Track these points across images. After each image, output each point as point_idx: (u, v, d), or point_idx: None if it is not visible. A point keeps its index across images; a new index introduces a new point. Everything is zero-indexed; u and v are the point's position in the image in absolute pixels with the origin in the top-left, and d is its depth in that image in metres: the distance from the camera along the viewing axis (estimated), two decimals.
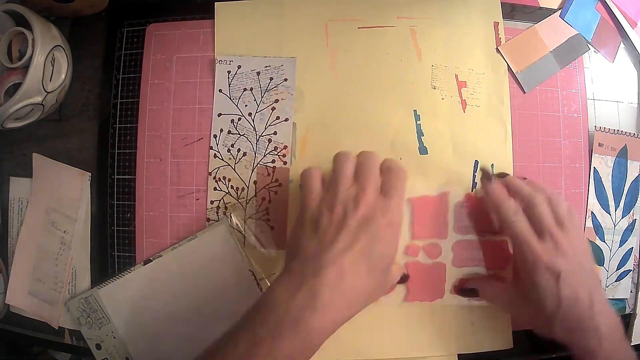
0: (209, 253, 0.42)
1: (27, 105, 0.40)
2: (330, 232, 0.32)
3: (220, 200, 0.43)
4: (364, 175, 0.34)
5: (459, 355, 0.41)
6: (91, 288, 0.44)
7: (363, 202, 0.32)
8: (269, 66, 0.43)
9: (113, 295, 0.43)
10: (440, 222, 0.41)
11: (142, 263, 0.43)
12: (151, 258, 0.42)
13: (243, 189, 0.42)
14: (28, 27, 0.39)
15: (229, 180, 0.43)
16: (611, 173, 0.44)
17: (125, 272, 0.43)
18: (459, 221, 0.41)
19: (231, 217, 0.42)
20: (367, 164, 0.35)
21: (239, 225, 0.42)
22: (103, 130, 0.45)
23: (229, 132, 0.43)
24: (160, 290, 0.42)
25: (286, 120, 0.42)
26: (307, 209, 0.34)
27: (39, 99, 0.41)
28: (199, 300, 0.42)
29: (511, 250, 0.40)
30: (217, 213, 0.43)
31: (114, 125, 0.45)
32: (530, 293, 0.34)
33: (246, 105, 0.43)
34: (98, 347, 0.43)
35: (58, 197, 0.45)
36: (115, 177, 0.44)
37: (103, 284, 0.43)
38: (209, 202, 0.43)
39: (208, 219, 0.43)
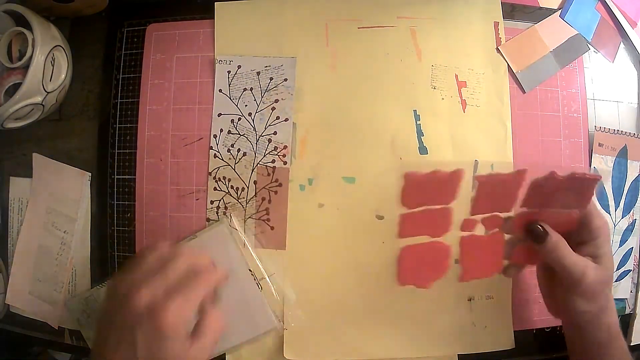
0: (208, 253, 0.42)
1: (27, 105, 0.40)
2: (104, 331, 0.30)
3: (220, 200, 0.43)
4: (157, 269, 0.30)
5: (459, 355, 0.41)
6: (91, 288, 0.44)
7: (131, 303, 0.28)
8: (269, 66, 0.43)
9: None
10: (508, 199, 0.36)
11: None
12: None
13: (243, 189, 0.42)
14: (28, 27, 0.39)
15: (229, 180, 0.43)
16: (611, 173, 0.44)
17: None
18: (530, 196, 0.35)
19: (231, 217, 0.42)
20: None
21: (239, 225, 0.42)
22: (103, 130, 0.45)
23: (229, 132, 0.43)
24: None
25: (286, 120, 0.42)
26: None
27: (39, 99, 0.40)
28: None
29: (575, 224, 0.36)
30: (217, 213, 0.43)
31: (114, 125, 0.45)
32: (596, 252, 0.34)
33: (246, 105, 0.43)
34: None
35: (58, 197, 0.45)
36: (115, 177, 0.44)
37: (103, 283, 0.43)
38: (209, 202, 0.43)
39: (208, 219, 0.43)
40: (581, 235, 0.35)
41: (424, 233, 0.37)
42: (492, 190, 0.36)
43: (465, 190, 0.36)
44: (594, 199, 0.36)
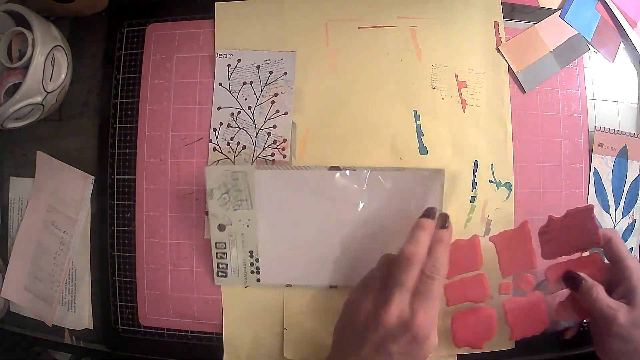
0: (405, 191, 0.39)
1: (27, 105, 0.40)
2: (352, 344, 0.33)
3: None
4: (394, 281, 0.32)
5: (458, 355, 0.41)
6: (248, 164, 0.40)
7: (382, 322, 0.31)
8: (269, 60, 0.43)
9: (266, 182, 0.38)
10: (527, 253, 0.38)
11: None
12: (340, 167, 0.39)
13: None
14: (28, 27, 0.39)
15: None
16: (611, 173, 0.44)
17: (289, 167, 0.40)
18: (544, 245, 0.38)
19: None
20: (404, 265, 0.33)
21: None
22: (103, 130, 0.45)
23: (229, 125, 0.43)
24: (321, 204, 0.39)
25: (286, 113, 0.42)
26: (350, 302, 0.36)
27: (39, 99, 0.41)
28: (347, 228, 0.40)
29: (605, 261, 0.38)
30: None
31: (114, 125, 0.45)
32: (629, 292, 0.35)
33: (246, 99, 0.43)
34: (221, 227, 0.39)
35: (60, 197, 0.45)
36: (115, 177, 0.44)
37: (263, 167, 0.40)
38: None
39: (207, 212, 0.42)
40: (615, 277, 0.37)
41: (468, 300, 0.39)
42: (509, 247, 0.38)
43: (490, 254, 0.38)
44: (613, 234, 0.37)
